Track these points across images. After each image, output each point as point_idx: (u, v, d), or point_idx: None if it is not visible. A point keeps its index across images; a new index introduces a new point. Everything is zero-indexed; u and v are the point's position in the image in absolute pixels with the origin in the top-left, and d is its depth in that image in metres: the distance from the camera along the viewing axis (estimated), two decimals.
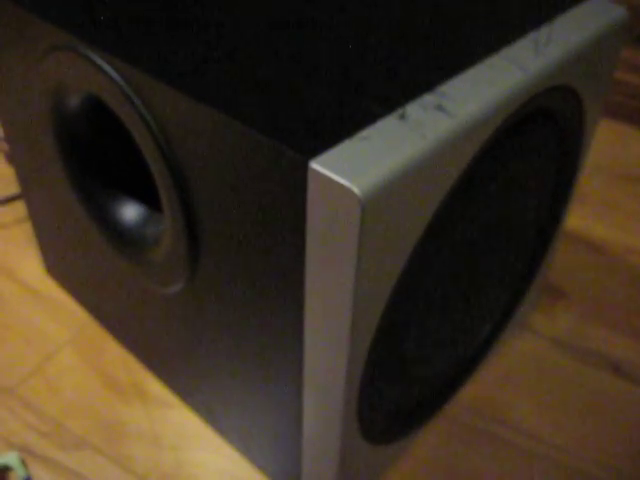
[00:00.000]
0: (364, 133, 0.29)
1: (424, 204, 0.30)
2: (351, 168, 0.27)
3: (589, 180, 0.72)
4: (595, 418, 0.50)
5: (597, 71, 0.41)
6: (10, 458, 0.45)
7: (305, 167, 0.27)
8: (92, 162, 0.44)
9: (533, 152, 0.41)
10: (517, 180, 0.41)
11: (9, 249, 0.62)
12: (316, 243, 0.29)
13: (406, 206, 0.29)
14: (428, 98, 0.32)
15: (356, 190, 0.26)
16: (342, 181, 0.27)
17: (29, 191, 0.52)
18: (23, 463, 0.46)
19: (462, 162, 0.32)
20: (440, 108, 0.31)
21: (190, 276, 0.39)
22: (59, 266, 0.56)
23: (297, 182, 0.28)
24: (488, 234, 0.41)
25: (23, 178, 0.52)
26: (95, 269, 0.50)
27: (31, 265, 0.60)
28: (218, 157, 0.32)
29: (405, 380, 0.41)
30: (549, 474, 0.46)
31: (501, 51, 0.36)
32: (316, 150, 0.28)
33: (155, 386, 0.51)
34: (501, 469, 0.46)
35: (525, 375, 0.53)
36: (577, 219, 0.67)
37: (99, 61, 0.35)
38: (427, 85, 0.32)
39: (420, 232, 0.31)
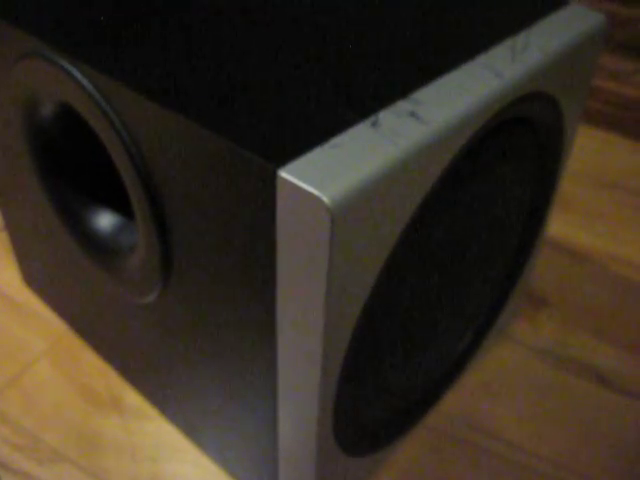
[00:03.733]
0: (335, 141, 0.29)
1: (397, 213, 0.30)
2: (320, 177, 0.27)
3: (572, 187, 0.72)
4: (578, 428, 0.49)
5: (575, 77, 0.41)
6: None
7: (274, 176, 0.27)
8: (67, 170, 0.43)
9: (511, 159, 0.40)
10: (495, 186, 0.40)
11: None
12: (287, 253, 0.29)
13: (378, 215, 0.29)
14: (402, 105, 0.31)
15: (325, 199, 0.26)
16: (311, 190, 0.26)
17: (5, 200, 0.52)
18: None
19: (436, 170, 0.31)
20: (413, 115, 0.30)
21: (163, 286, 0.38)
22: (36, 276, 0.55)
23: (266, 191, 0.28)
24: (467, 241, 0.41)
25: None
26: (72, 279, 0.49)
27: (8, 275, 0.60)
28: (188, 166, 0.31)
29: (382, 391, 0.41)
30: None
31: (477, 57, 0.36)
32: (285, 158, 0.27)
33: (133, 397, 0.50)
34: (482, 479, 0.46)
35: (507, 384, 0.52)
36: (561, 227, 0.67)
37: (69, 68, 0.35)
38: (402, 92, 0.32)
39: (394, 241, 0.31)
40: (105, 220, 0.43)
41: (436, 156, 0.31)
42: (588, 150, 0.78)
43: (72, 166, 0.43)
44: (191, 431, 0.47)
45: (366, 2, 0.41)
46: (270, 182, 0.27)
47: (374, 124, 0.30)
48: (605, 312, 0.58)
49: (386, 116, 0.30)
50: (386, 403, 0.42)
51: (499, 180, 0.40)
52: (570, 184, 0.72)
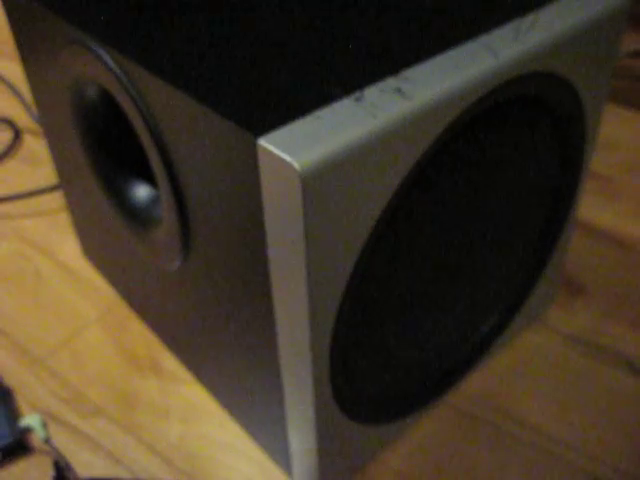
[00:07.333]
0: (317, 113, 0.30)
1: (379, 184, 0.32)
2: (296, 145, 0.29)
3: (624, 177, 0.70)
4: (606, 417, 0.49)
5: (593, 58, 0.41)
6: (33, 420, 0.49)
7: (254, 144, 0.29)
8: (110, 148, 0.47)
9: (521, 138, 0.41)
10: (503, 164, 0.41)
11: (53, 232, 0.67)
12: (272, 219, 0.31)
13: (358, 185, 0.30)
14: (389, 82, 0.33)
15: (296, 165, 0.28)
16: (284, 156, 0.28)
17: (64, 178, 0.57)
18: (44, 426, 0.50)
19: (420, 145, 0.32)
20: (398, 91, 0.32)
21: (185, 254, 0.41)
22: (92, 248, 0.60)
23: (249, 160, 0.30)
24: (474, 217, 0.42)
25: (59, 166, 0.56)
26: (119, 250, 0.53)
27: (70, 247, 0.65)
28: (193, 141, 0.34)
29: (388, 362, 0.42)
30: (552, 471, 0.46)
31: (478, 37, 0.36)
32: (266, 128, 0.29)
33: (171, 362, 0.54)
34: (500, 461, 0.46)
35: (536, 370, 0.52)
36: (609, 216, 0.65)
37: (102, 53, 0.38)
38: (392, 69, 0.33)
39: (378, 212, 0.32)
40: (142, 192, 0.47)
41: (418, 131, 0.32)
42: None
43: (115, 144, 0.47)
44: (218, 394, 0.50)
45: None
46: (252, 151, 0.30)
47: (358, 99, 0.31)
48: None
49: (371, 92, 0.32)
50: (395, 375, 0.43)
51: (507, 159, 0.41)
52: (623, 173, 0.70)
